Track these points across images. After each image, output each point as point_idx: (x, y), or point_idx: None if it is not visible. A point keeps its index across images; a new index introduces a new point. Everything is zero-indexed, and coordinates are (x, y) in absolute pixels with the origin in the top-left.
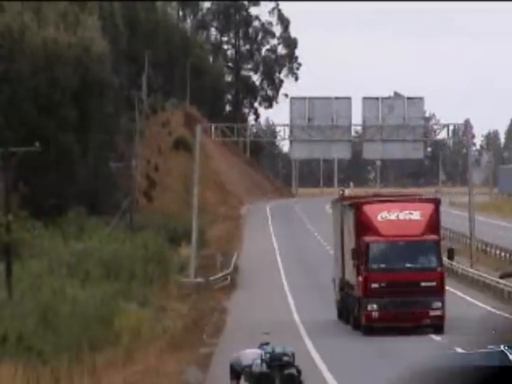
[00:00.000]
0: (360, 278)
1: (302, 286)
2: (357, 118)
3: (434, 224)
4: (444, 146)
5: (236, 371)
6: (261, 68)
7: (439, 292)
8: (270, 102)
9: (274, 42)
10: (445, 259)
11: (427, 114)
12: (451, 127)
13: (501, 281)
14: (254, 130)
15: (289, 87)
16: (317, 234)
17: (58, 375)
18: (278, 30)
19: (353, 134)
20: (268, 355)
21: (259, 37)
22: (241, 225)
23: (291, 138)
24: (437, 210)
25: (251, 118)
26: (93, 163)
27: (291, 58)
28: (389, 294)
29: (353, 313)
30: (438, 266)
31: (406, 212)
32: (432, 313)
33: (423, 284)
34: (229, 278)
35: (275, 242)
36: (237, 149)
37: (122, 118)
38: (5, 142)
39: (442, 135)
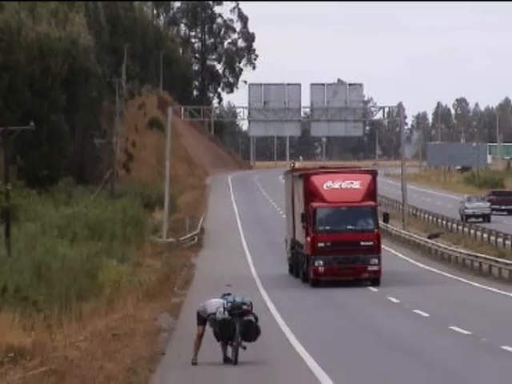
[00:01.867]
0: (308, 238)
1: (259, 245)
2: (306, 101)
3: (371, 192)
4: (380, 126)
5: (202, 318)
6: (223, 58)
7: (376, 250)
8: (231, 87)
9: (235, 36)
10: (381, 222)
11: (366, 98)
12: (386, 109)
13: (428, 240)
14: (218, 112)
15: (247, 75)
16: (271, 201)
17: (49, 322)
18: (238, 25)
19: (302, 115)
20: (229, 304)
21: (222, 32)
22: (206, 193)
23: (249, 119)
24: (374, 180)
25: (215, 101)
26: (79, 140)
27: (249, 49)
28: (333, 251)
29: (302, 268)
30: (375, 227)
31: (348, 182)
32: (370, 268)
33: (362, 243)
34: (196, 238)
35: (236, 207)
36: (203, 128)
37: (104, 101)
38: (4, 121)
39: (379, 116)
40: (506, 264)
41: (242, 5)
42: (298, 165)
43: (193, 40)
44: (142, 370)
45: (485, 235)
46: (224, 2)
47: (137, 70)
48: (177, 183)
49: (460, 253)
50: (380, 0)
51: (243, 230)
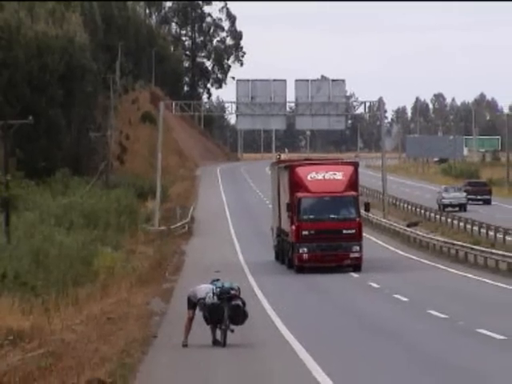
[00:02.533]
0: (293, 227)
1: (246, 233)
2: (291, 96)
3: (353, 183)
4: (361, 119)
5: (192, 302)
6: (212, 56)
7: (358, 238)
8: (219, 83)
9: (223, 34)
10: (362, 211)
11: (348, 93)
12: (367, 104)
13: (407, 229)
14: (207, 106)
15: (235, 71)
16: (258, 191)
17: (47, 306)
18: (226, 24)
19: (287, 109)
20: (218, 289)
21: (211, 30)
22: (196, 183)
23: (237, 113)
24: (356, 172)
25: (205, 96)
26: (76, 133)
27: (237, 47)
28: (316, 239)
29: (287, 255)
30: (356, 216)
31: (331, 173)
32: (352, 255)
33: (344, 231)
34: (186, 226)
35: (224, 197)
36: (193, 122)
37: (99, 96)
38: (4, 115)
39: (360, 110)
40: (481, 251)
41: (230, 5)
42: (283, 157)
43: (183, 38)
44: (135, 351)
45: (461, 224)
46: (213, 2)
47: (130, 66)
48: (168, 174)
49: (437, 240)
50: (362, 0)
51: (231, 218)
